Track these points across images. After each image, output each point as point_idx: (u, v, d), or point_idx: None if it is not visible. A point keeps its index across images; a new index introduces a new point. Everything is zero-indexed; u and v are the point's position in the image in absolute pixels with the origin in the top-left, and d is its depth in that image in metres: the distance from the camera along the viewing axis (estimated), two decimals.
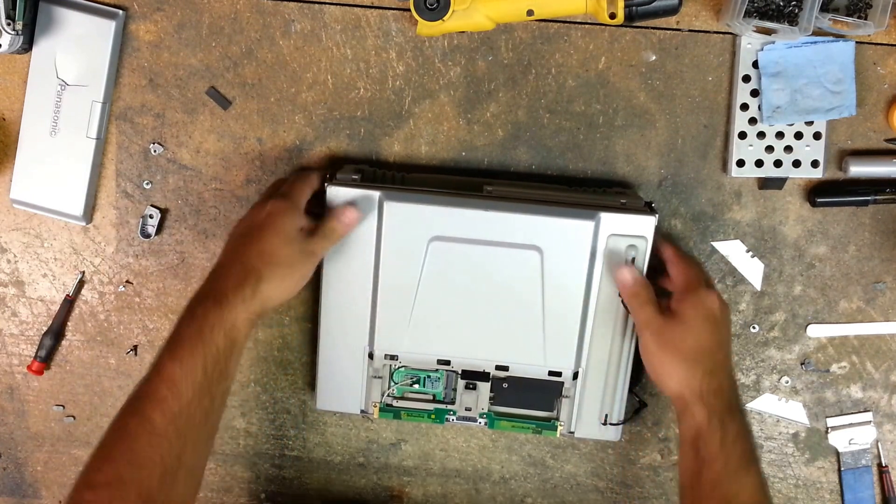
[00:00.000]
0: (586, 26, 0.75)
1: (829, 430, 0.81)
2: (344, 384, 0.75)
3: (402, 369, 0.74)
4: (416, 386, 0.75)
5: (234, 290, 0.62)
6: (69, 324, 0.83)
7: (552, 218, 0.69)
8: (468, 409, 0.75)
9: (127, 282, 0.81)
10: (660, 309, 0.68)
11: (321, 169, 0.77)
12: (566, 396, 0.74)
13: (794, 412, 0.81)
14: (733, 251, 0.79)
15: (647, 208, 0.71)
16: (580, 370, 0.73)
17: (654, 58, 0.75)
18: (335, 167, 0.76)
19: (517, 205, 0.70)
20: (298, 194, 0.69)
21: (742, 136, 0.76)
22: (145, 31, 0.76)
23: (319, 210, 0.70)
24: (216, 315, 0.61)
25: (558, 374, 0.73)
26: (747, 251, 0.79)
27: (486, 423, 0.76)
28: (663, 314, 0.68)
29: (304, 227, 0.68)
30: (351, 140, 0.78)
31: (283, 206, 0.67)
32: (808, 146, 0.75)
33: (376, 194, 0.70)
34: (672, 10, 0.67)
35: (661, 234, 0.74)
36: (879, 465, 0.82)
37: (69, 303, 0.82)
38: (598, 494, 0.84)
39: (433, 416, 0.76)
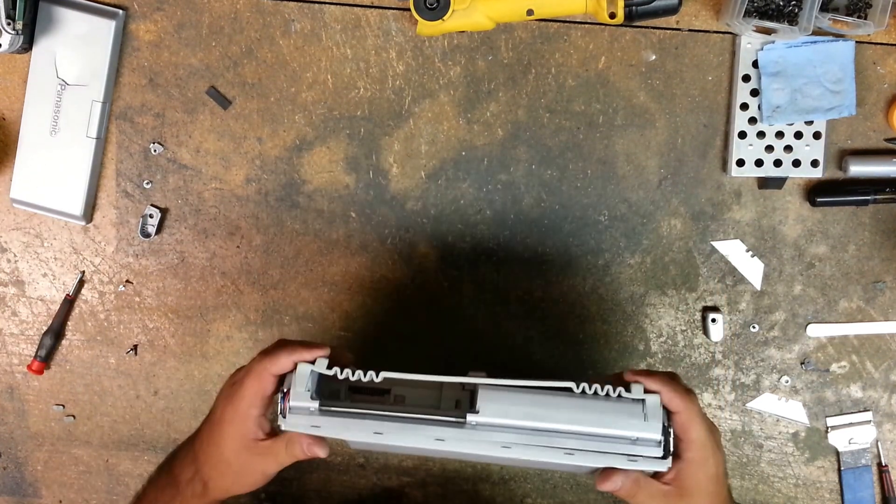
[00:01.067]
0: (586, 26, 0.75)
1: (829, 429, 0.81)
2: None
3: None
4: None
5: (186, 482, 0.63)
6: (69, 323, 0.83)
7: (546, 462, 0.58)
8: None
9: (127, 281, 0.81)
10: (662, 496, 0.59)
11: (283, 351, 0.60)
12: None
13: (793, 412, 0.81)
14: (733, 251, 0.79)
15: (663, 432, 0.57)
16: None
17: (653, 57, 0.76)
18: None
19: (502, 448, 0.57)
20: (253, 397, 0.60)
21: (742, 135, 0.76)
22: (145, 30, 0.76)
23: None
24: (171, 494, 0.64)
25: None
26: (747, 251, 0.79)
27: None
28: (667, 497, 0.59)
29: (261, 436, 0.61)
30: (351, 139, 0.78)
31: (230, 412, 0.60)
32: (807, 146, 0.75)
33: (340, 433, 0.58)
34: (672, 10, 0.67)
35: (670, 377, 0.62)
36: (879, 464, 0.82)
37: (69, 302, 0.82)
38: (597, 495, 0.84)
39: None
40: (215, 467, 0.62)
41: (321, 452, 0.60)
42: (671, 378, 0.60)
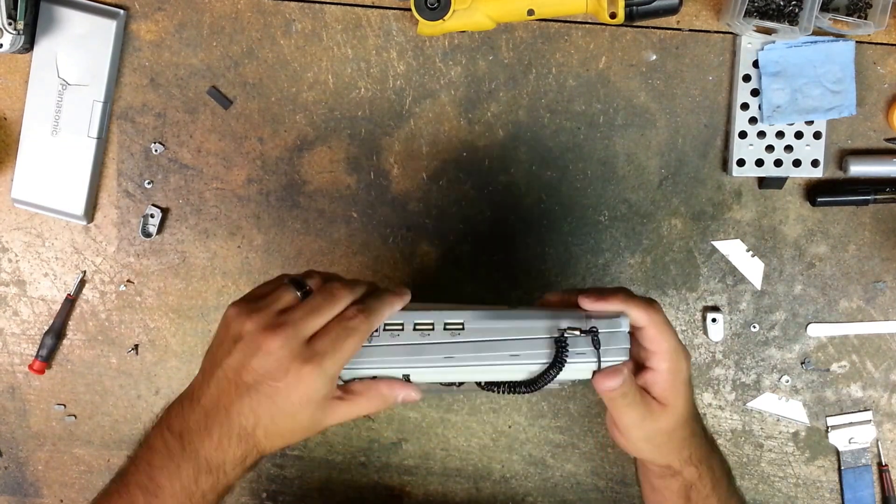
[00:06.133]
0: (587, 26, 0.75)
1: (829, 429, 0.82)
2: None
3: None
4: None
5: (232, 463, 0.54)
6: (70, 323, 0.83)
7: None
8: None
9: (128, 281, 0.82)
10: (645, 402, 0.58)
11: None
12: None
13: (794, 411, 0.81)
14: (733, 250, 0.79)
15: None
16: None
17: (654, 57, 0.76)
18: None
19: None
20: (339, 358, 0.54)
21: (742, 135, 0.76)
22: (146, 30, 0.77)
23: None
24: (209, 483, 0.54)
25: None
26: (747, 250, 0.79)
27: None
28: (649, 405, 0.58)
29: (337, 394, 0.56)
30: (352, 140, 0.78)
31: (313, 374, 0.52)
32: (808, 145, 0.76)
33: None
34: (672, 10, 0.67)
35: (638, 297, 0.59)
36: (879, 463, 0.82)
37: (70, 302, 0.82)
38: (598, 493, 0.84)
39: None
40: (277, 434, 0.54)
41: (416, 394, 0.57)
42: (627, 293, 0.57)
